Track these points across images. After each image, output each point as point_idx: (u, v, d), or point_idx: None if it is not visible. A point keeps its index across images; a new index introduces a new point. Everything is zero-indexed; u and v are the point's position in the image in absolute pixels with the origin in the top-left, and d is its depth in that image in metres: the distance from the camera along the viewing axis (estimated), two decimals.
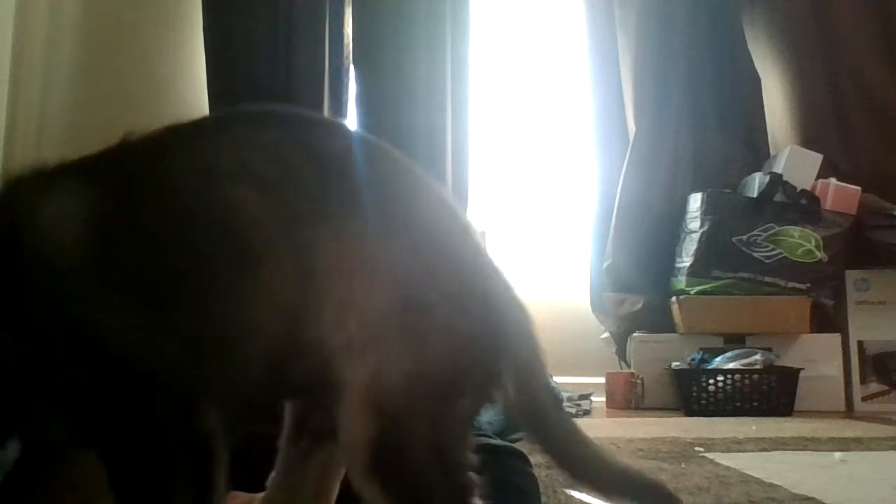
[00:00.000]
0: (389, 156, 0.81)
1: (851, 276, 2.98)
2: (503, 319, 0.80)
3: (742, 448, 1.88)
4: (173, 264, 0.66)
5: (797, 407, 2.70)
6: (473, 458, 0.74)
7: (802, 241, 2.93)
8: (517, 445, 1.21)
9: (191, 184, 0.68)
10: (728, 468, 1.55)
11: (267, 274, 0.66)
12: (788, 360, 2.82)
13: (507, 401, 0.79)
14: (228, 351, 0.66)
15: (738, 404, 2.69)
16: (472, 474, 0.74)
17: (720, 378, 2.72)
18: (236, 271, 0.66)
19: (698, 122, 3.29)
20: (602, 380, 2.99)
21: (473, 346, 0.74)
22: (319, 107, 3.10)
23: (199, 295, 0.66)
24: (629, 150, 3.25)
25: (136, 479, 0.63)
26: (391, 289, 0.69)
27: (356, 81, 3.23)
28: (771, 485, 1.38)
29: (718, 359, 2.79)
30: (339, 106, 3.18)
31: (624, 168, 3.24)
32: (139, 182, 0.68)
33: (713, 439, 2.00)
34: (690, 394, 2.74)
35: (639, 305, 3.13)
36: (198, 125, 0.75)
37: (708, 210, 2.98)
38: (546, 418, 0.86)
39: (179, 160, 0.70)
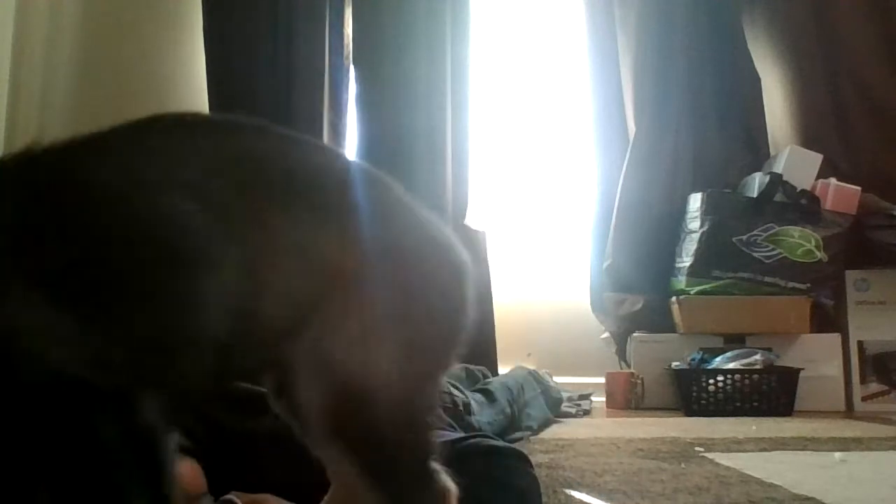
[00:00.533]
0: (321, 153, 0.84)
1: (851, 276, 2.98)
2: (458, 272, 0.79)
3: (742, 448, 1.88)
4: (101, 267, 0.65)
5: (797, 407, 2.70)
6: (437, 419, 0.77)
7: (802, 241, 2.93)
8: (517, 446, 1.21)
9: (123, 189, 0.67)
10: (728, 468, 1.55)
11: (203, 273, 0.66)
12: (788, 360, 2.82)
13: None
14: (171, 349, 0.66)
15: (738, 404, 2.69)
16: (433, 434, 0.77)
17: (720, 378, 2.72)
18: (170, 274, 0.66)
19: (698, 122, 3.29)
20: (602, 380, 2.99)
21: (429, 303, 0.75)
22: (319, 107, 3.10)
23: (129, 298, 0.65)
24: (629, 150, 3.25)
25: (82, 484, 0.62)
26: (329, 267, 0.70)
27: (356, 81, 3.23)
28: (771, 485, 1.38)
29: (718, 359, 2.79)
30: (339, 106, 3.19)
31: (624, 168, 3.24)
32: (71, 183, 0.67)
33: (713, 439, 2.00)
34: (690, 394, 2.74)
35: (639, 305, 3.13)
36: (140, 128, 0.73)
37: (708, 210, 2.98)
38: None
39: (113, 163, 0.69)
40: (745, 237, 2.94)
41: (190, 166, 0.70)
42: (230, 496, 0.94)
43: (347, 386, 0.70)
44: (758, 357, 2.74)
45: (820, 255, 2.93)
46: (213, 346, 0.66)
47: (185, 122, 0.75)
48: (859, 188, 2.99)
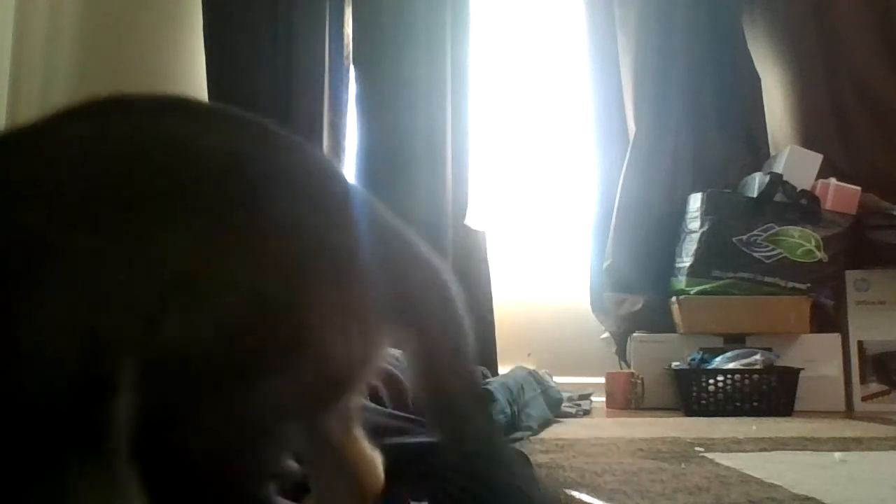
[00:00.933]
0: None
1: (851, 276, 2.98)
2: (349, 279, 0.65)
3: (742, 448, 1.88)
4: None
5: (797, 407, 2.70)
6: (284, 468, 0.65)
7: (802, 241, 2.93)
8: (517, 446, 1.21)
9: None
10: (728, 468, 1.55)
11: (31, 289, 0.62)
12: (788, 360, 2.82)
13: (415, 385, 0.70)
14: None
15: (738, 404, 2.69)
16: (271, 492, 0.63)
17: (720, 378, 2.72)
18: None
19: (698, 122, 3.29)
20: (602, 380, 2.99)
21: (273, 306, 0.61)
22: (319, 107, 3.10)
23: None
24: (629, 150, 3.25)
25: None
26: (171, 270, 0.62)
27: (356, 81, 3.23)
28: (771, 485, 1.38)
29: (718, 359, 2.79)
30: (339, 106, 3.19)
31: (624, 168, 3.24)
32: None
33: (713, 439, 2.00)
34: (690, 394, 2.74)
35: (639, 305, 3.13)
36: (57, 117, 0.71)
37: (708, 210, 2.98)
38: (459, 417, 0.73)
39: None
40: (745, 237, 2.94)
41: (62, 166, 0.65)
42: None
43: (163, 398, 0.59)
44: (758, 357, 2.74)
45: (820, 255, 2.93)
46: (58, 370, 0.60)
47: (100, 110, 0.71)
48: (859, 188, 2.99)
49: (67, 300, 0.61)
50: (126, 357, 0.60)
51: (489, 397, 1.96)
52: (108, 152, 0.67)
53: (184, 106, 0.75)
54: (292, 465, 0.71)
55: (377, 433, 0.81)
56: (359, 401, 0.79)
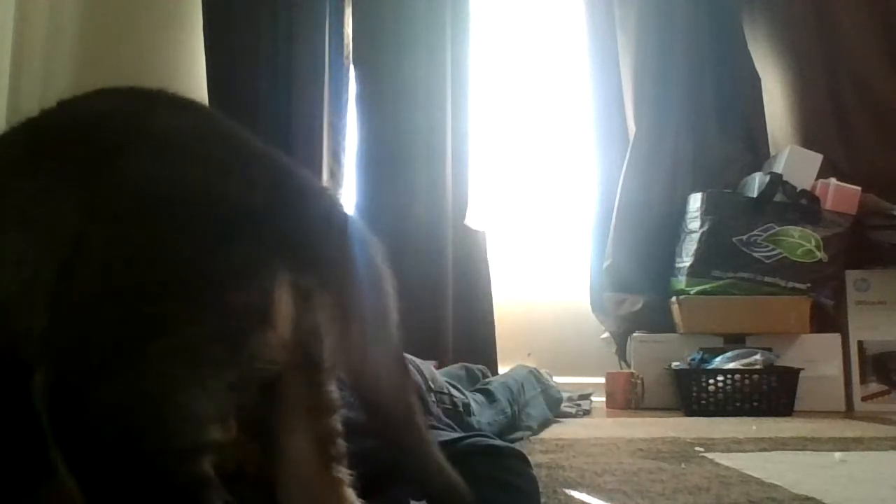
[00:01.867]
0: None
1: (851, 276, 2.98)
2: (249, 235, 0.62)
3: (742, 448, 1.88)
4: None
5: (797, 407, 2.70)
6: (210, 440, 0.59)
7: (802, 241, 2.93)
8: (517, 446, 1.21)
9: None
10: (728, 468, 1.55)
11: None
12: (788, 360, 2.82)
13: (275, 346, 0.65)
14: None
15: (738, 404, 2.69)
16: (200, 468, 0.59)
17: (720, 378, 2.72)
18: None
19: (698, 122, 3.29)
20: (602, 380, 2.99)
21: (168, 265, 0.59)
22: (319, 107, 3.10)
23: None
24: (629, 150, 3.25)
25: None
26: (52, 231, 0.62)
27: (356, 81, 3.23)
28: (771, 485, 1.38)
29: (718, 359, 2.79)
30: (339, 106, 3.19)
31: (624, 168, 3.24)
32: None
33: (713, 439, 2.00)
34: (690, 394, 2.74)
35: (639, 305, 3.13)
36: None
37: (708, 210, 2.98)
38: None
39: None
40: (745, 237, 2.94)
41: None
42: None
43: (69, 370, 0.58)
44: (758, 357, 2.74)
45: (820, 255, 2.93)
46: None
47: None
48: (859, 188, 2.99)
49: None
50: (33, 324, 0.59)
51: (489, 397, 1.97)
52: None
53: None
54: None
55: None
56: (338, 431, 0.74)
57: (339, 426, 0.74)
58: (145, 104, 0.70)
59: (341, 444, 0.74)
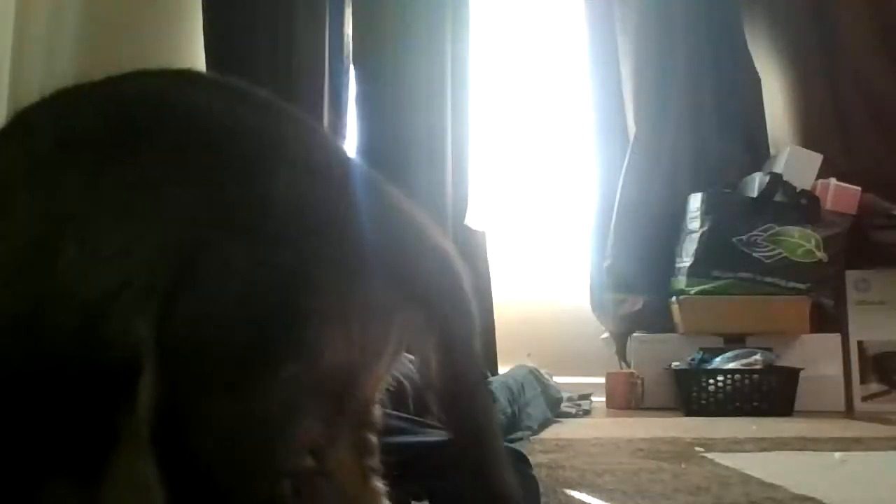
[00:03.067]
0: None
1: (851, 276, 2.98)
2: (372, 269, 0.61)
3: (742, 448, 1.88)
4: None
5: (797, 407, 2.70)
6: (300, 463, 0.59)
7: (802, 241, 2.93)
8: (517, 446, 1.21)
9: None
10: (728, 468, 1.55)
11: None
12: (788, 360, 2.82)
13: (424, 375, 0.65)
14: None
15: (738, 404, 2.69)
16: (284, 493, 0.58)
17: (720, 378, 2.72)
18: None
19: (698, 122, 3.29)
20: (602, 380, 2.99)
21: (279, 294, 0.57)
22: (319, 107, 3.10)
23: None
24: (629, 150, 3.25)
25: None
26: (168, 231, 0.60)
27: (356, 81, 3.23)
28: (771, 485, 1.38)
29: (718, 359, 2.79)
30: (339, 106, 3.19)
31: (624, 168, 3.24)
32: None
33: (713, 439, 2.00)
34: (690, 394, 2.74)
35: (639, 305, 3.13)
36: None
37: (708, 210, 2.98)
38: (475, 412, 0.70)
39: None
40: (745, 237, 2.94)
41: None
42: None
43: (179, 386, 0.57)
44: (758, 357, 2.74)
45: (820, 255, 2.93)
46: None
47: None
48: (859, 188, 2.99)
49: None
50: (134, 325, 0.58)
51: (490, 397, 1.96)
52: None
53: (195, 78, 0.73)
54: None
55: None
56: (375, 437, 0.73)
57: (377, 441, 0.74)
58: (274, 117, 0.70)
59: (378, 459, 0.74)
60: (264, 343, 0.57)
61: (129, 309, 0.59)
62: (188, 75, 0.72)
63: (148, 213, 0.60)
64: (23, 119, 0.71)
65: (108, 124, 0.66)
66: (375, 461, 0.73)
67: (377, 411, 0.74)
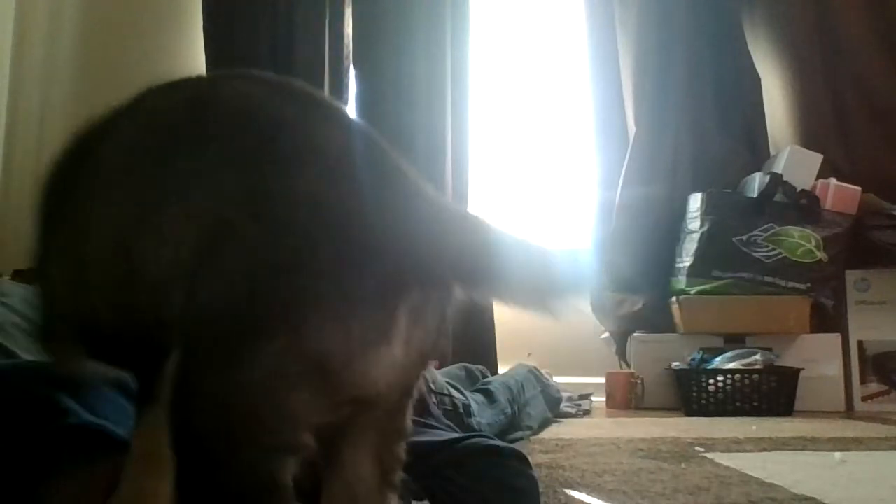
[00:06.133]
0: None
1: (851, 276, 2.98)
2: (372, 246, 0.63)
3: (742, 448, 1.88)
4: None
5: (797, 407, 2.70)
6: (302, 444, 0.61)
7: (802, 241, 2.93)
8: (517, 446, 1.21)
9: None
10: (728, 468, 1.55)
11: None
12: (788, 360, 2.82)
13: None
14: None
15: (738, 404, 2.69)
16: (283, 471, 0.60)
17: (720, 378, 2.72)
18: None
19: (698, 122, 3.29)
20: (602, 380, 2.99)
21: (283, 272, 0.61)
22: None
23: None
24: (629, 149, 3.25)
25: None
26: (205, 214, 0.65)
27: (356, 81, 3.24)
28: (771, 485, 1.38)
29: (718, 359, 2.79)
30: None
31: (624, 168, 3.24)
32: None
33: (713, 439, 2.00)
34: (690, 394, 2.74)
35: (639, 305, 3.13)
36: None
37: (708, 210, 2.98)
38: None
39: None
40: (745, 237, 2.94)
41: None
42: None
43: (190, 354, 0.62)
44: (758, 357, 2.74)
45: (820, 255, 2.93)
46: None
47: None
48: (859, 188, 2.99)
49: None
50: (178, 307, 0.63)
51: (489, 397, 1.97)
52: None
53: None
54: None
55: None
56: (401, 459, 0.74)
57: (403, 455, 0.74)
58: (317, 115, 0.72)
59: (400, 473, 0.74)
60: (255, 316, 0.60)
61: (174, 285, 0.64)
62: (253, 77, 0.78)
63: (198, 197, 0.66)
64: (113, 117, 0.78)
65: (184, 120, 0.72)
66: (397, 476, 0.74)
67: (407, 422, 0.74)
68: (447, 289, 0.69)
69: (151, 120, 0.74)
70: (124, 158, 0.72)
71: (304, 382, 0.61)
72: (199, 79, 0.80)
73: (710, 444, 1.90)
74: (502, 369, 2.75)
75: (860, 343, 2.94)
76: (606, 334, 3.24)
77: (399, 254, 0.64)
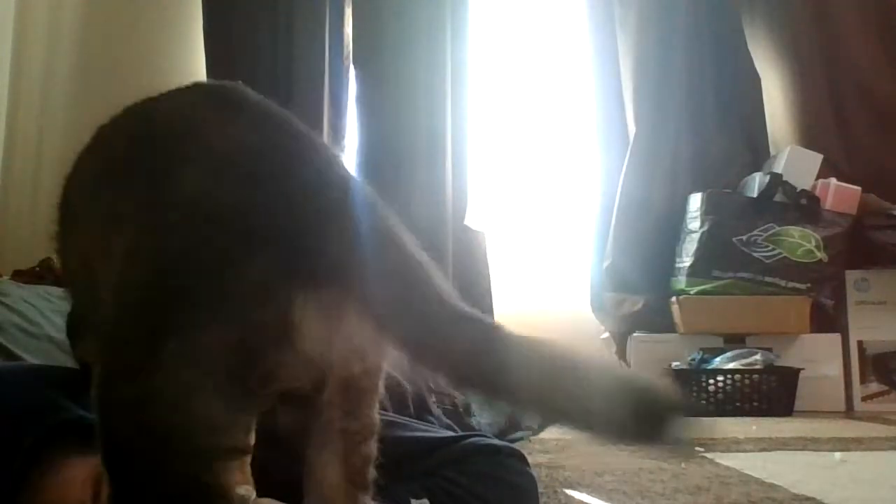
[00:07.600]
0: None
1: (851, 276, 2.98)
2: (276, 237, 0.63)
3: (742, 448, 1.88)
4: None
5: (797, 407, 2.70)
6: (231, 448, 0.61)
7: (802, 241, 2.93)
8: (517, 445, 1.20)
9: None
10: (728, 468, 1.55)
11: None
12: (788, 360, 2.82)
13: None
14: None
15: (738, 404, 2.69)
16: (211, 473, 0.60)
17: (720, 378, 2.72)
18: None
19: (698, 122, 3.29)
20: None
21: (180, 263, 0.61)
22: (319, 107, 3.10)
23: None
24: (629, 150, 3.25)
25: None
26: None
27: (356, 82, 3.23)
28: (771, 485, 1.38)
29: (718, 359, 2.79)
30: (339, 106, 3.18)
31: (624, 168, 3.23)
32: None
33: (713, 439, 2.00)
34: (690, 394, 2.73)
35: (639, 305, 3.13)
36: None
37: (708, 210, 2.98)
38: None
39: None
40: (745, 237, 2.94)
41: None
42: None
43: (104, 361, 0.68)
44: (758, 357, 2.74)
45: (820, 255, 2.93)
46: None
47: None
48: (859, 188, 2.98)
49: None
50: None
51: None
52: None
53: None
54: None
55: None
56: (371, 456, 0.73)
57: (374, 451, 0.74)
58: (215, 114, 0.73)
59: (371, 472, 0.73)
60: (152, 326, 0.60)
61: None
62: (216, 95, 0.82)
63: (129, 221, 0.68)
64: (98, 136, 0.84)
65: (138, 147, 0.75)
66: (367, 476, 0.73)
67: (372, 419, 0.74)
68: (350, 279, 0.64)
69: (105, 152, 0.80)
70: (89, 185, 0.79)
71: (205, 385, 0.60)
72: (144, 103, 0.82)
73: (710, 444, 1.90)
74: None
75: (860, 343, 2.94)
76: (606, 334, 3.24)
77: (289, 245, 0.62)
